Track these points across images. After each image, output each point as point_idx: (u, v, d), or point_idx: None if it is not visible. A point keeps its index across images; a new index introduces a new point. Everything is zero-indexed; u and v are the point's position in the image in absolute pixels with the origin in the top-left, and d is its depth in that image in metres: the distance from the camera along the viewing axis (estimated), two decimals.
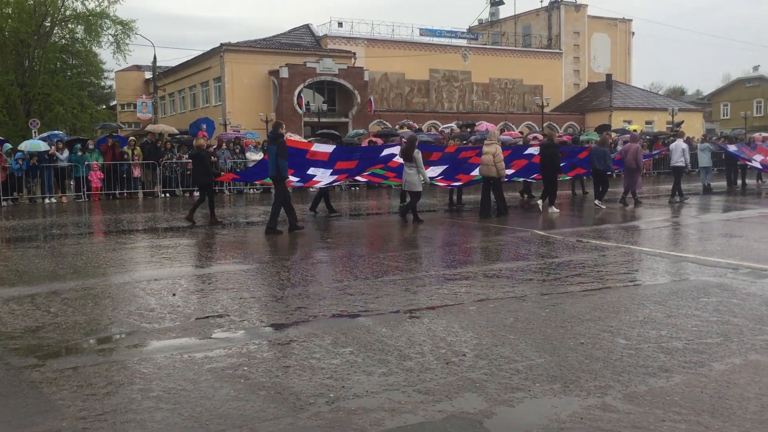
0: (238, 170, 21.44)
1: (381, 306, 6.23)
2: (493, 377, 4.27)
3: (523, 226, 12.72)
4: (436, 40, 51.76)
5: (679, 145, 18.03)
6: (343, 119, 42.82)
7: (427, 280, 7.48)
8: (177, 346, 5.06)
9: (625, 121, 47.37)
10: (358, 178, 16.62)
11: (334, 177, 14.86)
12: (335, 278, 7.71)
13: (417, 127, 33.69)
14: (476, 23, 64.07)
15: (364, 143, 25.40)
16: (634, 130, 32.99)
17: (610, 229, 12.02)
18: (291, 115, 39.79)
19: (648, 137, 33.17)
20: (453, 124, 35.46)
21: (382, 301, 6.45)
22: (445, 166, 15.70)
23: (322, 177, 14.55)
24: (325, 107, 42.04)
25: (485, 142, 14.65)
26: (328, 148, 15.01)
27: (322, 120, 38.66)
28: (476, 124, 35.71)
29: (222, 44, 42.89)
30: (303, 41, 47.55)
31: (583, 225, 13.03)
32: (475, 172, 15.38)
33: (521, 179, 17.60)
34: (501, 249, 10.00)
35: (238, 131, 31.12)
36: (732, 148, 22.56)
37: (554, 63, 55.90)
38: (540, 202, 15.59)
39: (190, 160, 18.00)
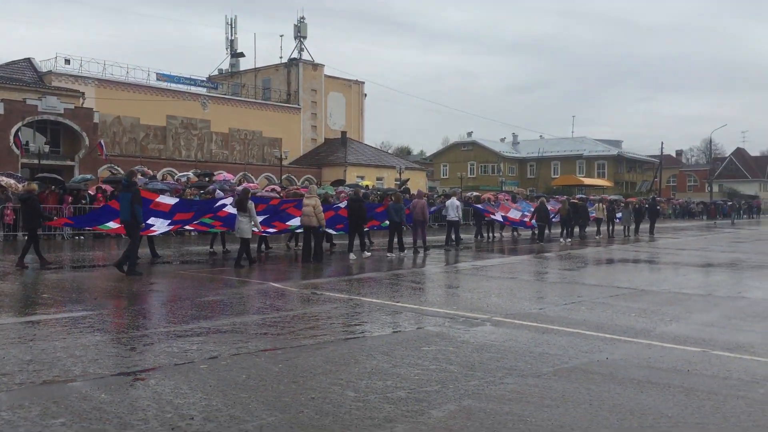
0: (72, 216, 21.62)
1: (102, 368, 5.73)
2: None
3: (258, 278, 12.68)
4: (173, 86, 50.55)
5: (453, 202, 21.38)
6: (69, 162, 39.57)
7: (155, 338, 7.06)
8: None
9: (358, 177, 50.03)
10: (187, 227, 17.42)
11: (171, 228, 16.08)
12: (49, 338, 6.95)
13: (152, 174, 32.26)
14: (216, 73, 63.88)
15: (91, 190, 24.15)
16: (366, 186, 35.00)
17: (342, 281, 12.46)
18: (6, 155, 35.79)
19: (379, 193, 35.33)
20: (190, 173, 34.63)
21: (103, 363, 5.93)
22: (266, 216, 17.08)
23: (160, 227, 15.51)
24: (47, 148, 38.48)
25: (306, 195, 16.55)
26: (171, 200, 16.55)
27: (44, 162, 35.29)
28: (215, 173, 35.25)
29: None
30: (23, 76, 43.47)
31: (316, 277, 13.35)
32: (291, 222, 17.63)
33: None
34: (236, 302, 9.82)
35: None
36: (479, 205, 25.63)
37: (293, 117, 57.55)
38: (352, 255, 16.79)
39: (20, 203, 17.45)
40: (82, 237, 22.59)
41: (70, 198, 23.64)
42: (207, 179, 32.16)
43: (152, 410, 4.63)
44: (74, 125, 39.81)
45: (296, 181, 49.95)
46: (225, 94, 56.05)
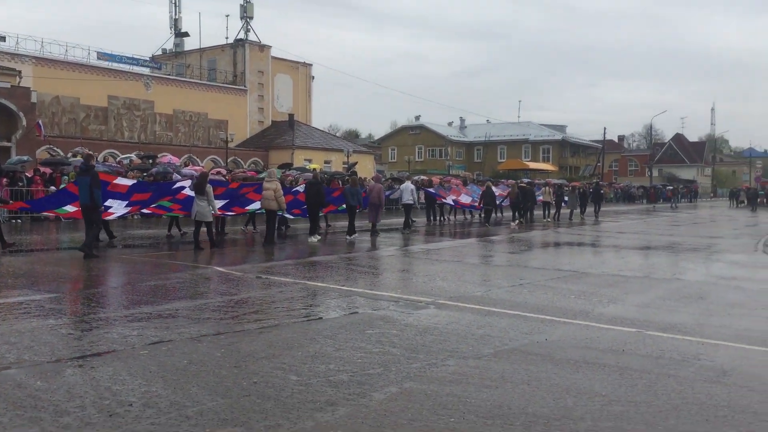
0: (28, 199, 21.10)
1: (38, 355, 5.60)
2: (160, 426, 4.06)
3: (204, 262, 12.53)
4: (115, 65, 49.16)
5: (408, 186, 22.12)
6: (6, 143, 38.09)
7: (94, 324, 6.92)
8: None
9: (305, 160, 49.69)
10: (144, 210, 17.13)
11: (129, 209, 15.92)
12: None
13: (93, 155, 31.38)
14: (160, 53, 62.37)
15: (28, 173, 23.45)
16: (314, 169, 34.78)
17: (289, 265, 12.41)
18: None
19: (326, 176, 35.15)
20: (133, 155, 33.87)
21: (38, 350, 5.79)
22: (226, 200, 17.18)
23: (118, 209, 15.46)
24: None
25: (266, 179, 16.73)
26: (129, 181, 16.47)
27: None
28: (159, 155, 34.55)
29: None
30: None
31: (264, 261, 13.26)
32: (251, 206, 17.91)
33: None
34: (179, 287, 9.69)
35: None
36: (431, 189, 25.78)
37: (239, 99, 56.68)
38: (314, 238, 16.90)
39: None
40: (19, 221, 21.88)
41: (5, 180, 22.84)
42: (150, 161, 31.51)
43: (90, 397, 4.56)
44: (10, 105, 38.29)
45: (243, 164, 49.36)
46: (169, 75, 54.80)
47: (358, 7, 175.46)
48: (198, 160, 46.28)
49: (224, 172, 28.56)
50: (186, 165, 36.34)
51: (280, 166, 37.46)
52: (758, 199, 53.97)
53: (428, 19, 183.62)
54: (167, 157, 33.34)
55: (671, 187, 64.45)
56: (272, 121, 58.84)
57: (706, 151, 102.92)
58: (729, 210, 49.54)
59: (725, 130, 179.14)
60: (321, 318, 7.51)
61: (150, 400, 4.53)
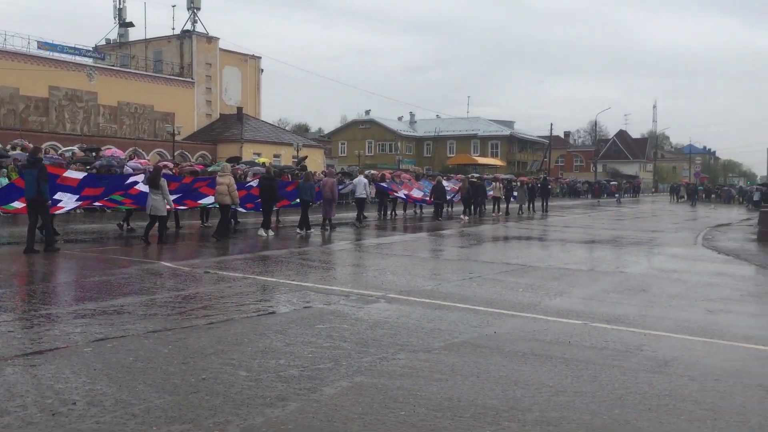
0: None
1: None
2: (105, 425, 3.97)
3: (152, 257, 12.29)
4: (57, 55, 47.68)
5: (361, 180, 22.26)
6: None
7: (36, 321, 6.72)
8: None
9: (254, 154, 49.15)
10: (96, 203, 16.97)
11: (79, 203, 15.56)
12: None
13: (40, 148, 30.43)
14: (104, 43, 60.79)
15: None
16: (263, 163, 34.45)
17: (240, 260, 12.28)
18: None
19: (275, 170, 34.86)
20: (75, 148, 32.98)
21: None
22: (179, 195, 16.84)
23: (67, 203, 15.03)
24: None
25: (219, 173, 16.54)
26: (79, 174, 15.75)
27: None
28: (103, 148, 33.72)
29: None
30: None
31: (215, 256, 13.08)
32: (204, 201, 17.84)
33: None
34: (125, 283, 9.48)
35: None
36: (383, 183, 25.84)
37: (186, 92, 55.68)
38: (265, 232, 16.81)
39: None
40: None
41: None
42: (94, 154, 30.73)
43: (31, 396, 4.43)
44: None
45: (190, 157, 48.52)
46: (113, 66, 53.43)
47: (309, 0, 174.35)
48: (144, 153, 45.33)
49: (171, 165, 28.06)
50: (131, 158, 35.54)
51: (229, 160, 36.96)
52: (697, 194, 55.74)
53: (378, 14, 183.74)
54: (111, 150, 32.52)
55: (615, 183, 66.00)
56: (220, 114, 57.98)
57: (648, 147, 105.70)
58: (670, 205, 51.00)
59: (666, 127, 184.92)
60: (271, 313, 7.45)
61: (94, 399, 4.42)
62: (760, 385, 5.21)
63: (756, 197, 48.10)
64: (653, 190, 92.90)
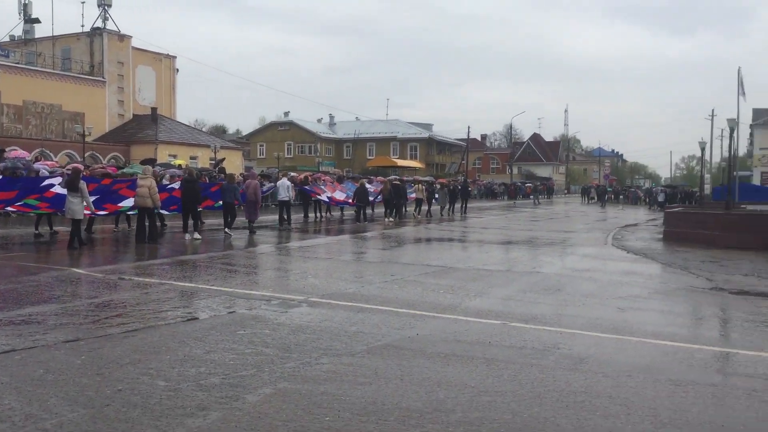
0: None
1: None
2: None
3: (63, 264, 11.78)
4: None
5: (284, 182, 22.11)
6: None
7: None
8: None
9: (170, 155, 47.91)
10: (9, 208, 16.12)
11: None
12: None
13: None
14: (7, 39, 57.92)
15: None
16: (179, 165, 33.60)
17: (156, 265, 11.93)
18: None
19: (198, 171, 34.10)
20: None
21: None
22: (97, 197, 16.14)
23: None
24: None
25: (139, 176, 16.15)
26: None
27: None
28: (7, 149, 32.06)
29: None
30: None
31: (131, 261, 12.67)
32: (124, 203, 17.18)
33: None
34: (34, 291, 9.03)
35: None
36: (306, 186, 25.67)
37: (97, 91, 53.70)
38: (190, 235, 16.57)
39: None
40: None
41: None
42: None
43: None
44: None
45: (102, 159, 46.85)
46: (18, 63, 50.98)
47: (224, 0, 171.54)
48: (51, 154, 43.36)
49: (81, 167, 26.99)
50: (38, 159, 33.96)
51: (143, 162, 35.87)
52: (606, 196, 57.98)
53: (297, 14, 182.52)
54: (17, 152, 30.96)
55: (530, 184, 67.80)
56: (134, 114, 56.22)
57: (560, 150, 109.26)
58: (581, 206, 52.86)
59: (577, 130, 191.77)
60: (190, 320, 7.27)
61: (2, 414, 4.20)
62: (669, 379, 5.46)
63: (661, 198, 50.53)
64: (566, 191, 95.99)
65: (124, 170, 25.60)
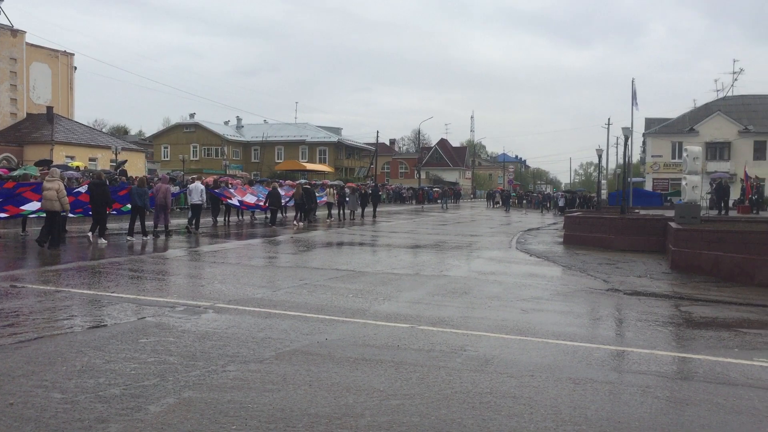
0: None
1: None
2: None
3: None
4: None
5: (197, 186, 21.77)
6: None
7: None
8: None
9: (67, 157, 45.90)
10: None
11: None
12: None
13: None
14: None
15: None
16: (77, 167, 32.26)
17: (52, 272, 11.37)
18: None
19: (107, 175, 32.80)
20: None
21: None
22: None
23: None
24: None
25: (47, 179, 15.44)
26: None
27: None
28: None
29: None
30: None
31: (24, 267, 12.01)
32: (27, 207, 16.74)
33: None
34: None
35: None
36: (216, 189, 25.09)
37: None
38: (90, 234, 16.19)
39: None
40: None
41: None
42: None
43: None
44: None
45: None
46: None
47: None
48: None
49: None
50: None
51: (38, 163, 34.22)
52: (510, 200, 59.69)
53: (202, 14, 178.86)
54: None
55: (438, 189, 68.97)
56: (27, 113, 53.47)
57: (466, 155, 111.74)
58: (486, 210, 54.19)
59: (483, 137, 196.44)
60: (89, 328, 6.96)
61: None
62: (569, 378, 5.66)
63: (561, 203, 52.49)
64: (472, 196, 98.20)
65: (16, 173, 24.31)
